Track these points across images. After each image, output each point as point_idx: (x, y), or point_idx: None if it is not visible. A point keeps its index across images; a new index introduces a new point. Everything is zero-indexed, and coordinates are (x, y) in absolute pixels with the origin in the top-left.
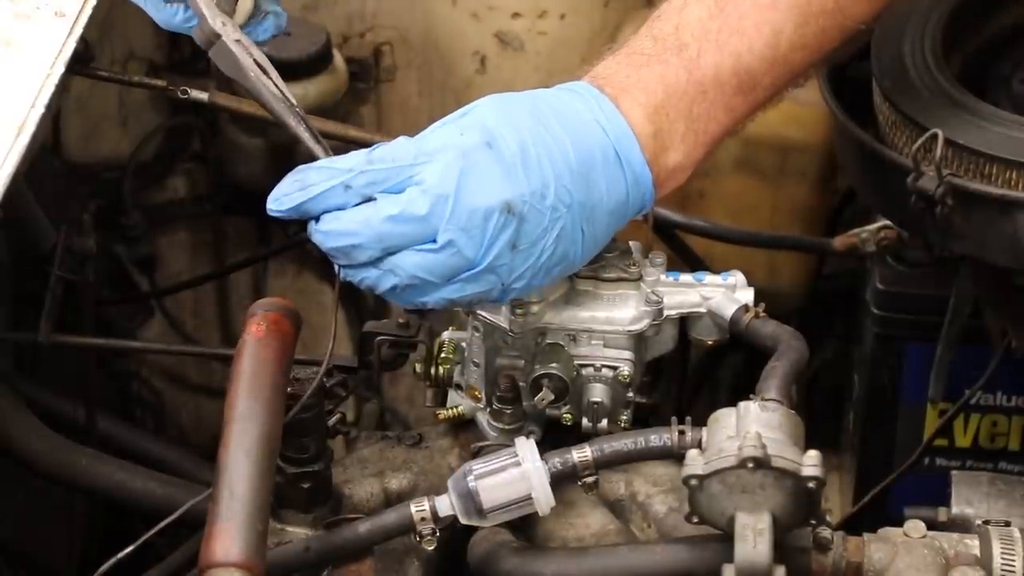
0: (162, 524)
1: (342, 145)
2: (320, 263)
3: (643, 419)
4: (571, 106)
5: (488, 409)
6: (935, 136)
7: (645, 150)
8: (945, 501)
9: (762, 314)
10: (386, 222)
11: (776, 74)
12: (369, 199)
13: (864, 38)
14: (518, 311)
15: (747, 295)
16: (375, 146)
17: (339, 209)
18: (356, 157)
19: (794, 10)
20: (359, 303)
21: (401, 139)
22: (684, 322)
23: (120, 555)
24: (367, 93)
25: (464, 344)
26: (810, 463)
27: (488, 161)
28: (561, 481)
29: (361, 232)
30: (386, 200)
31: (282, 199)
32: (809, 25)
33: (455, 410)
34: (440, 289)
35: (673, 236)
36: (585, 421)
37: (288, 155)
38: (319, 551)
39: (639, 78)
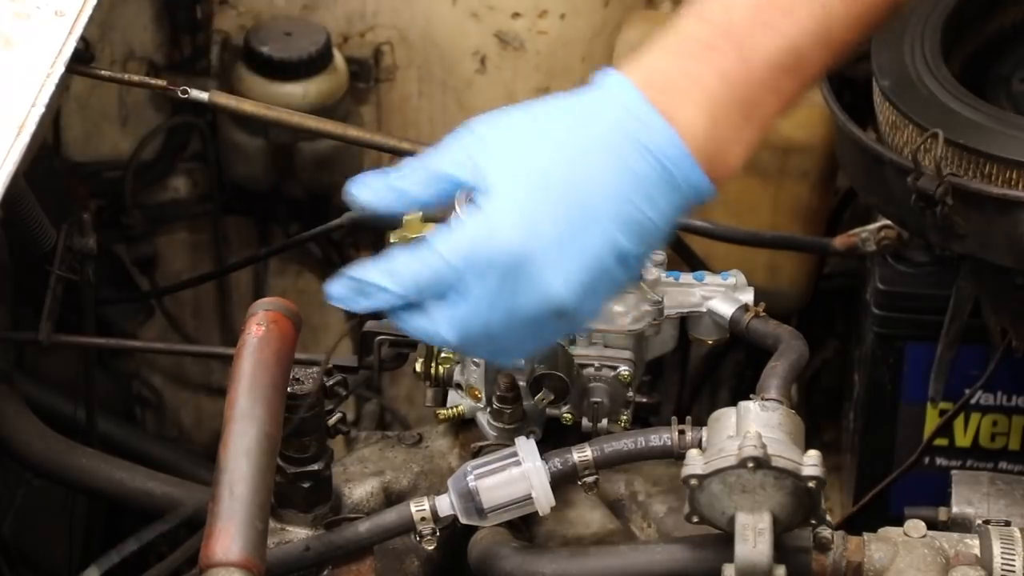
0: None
1: (343, 146)
2: (320, 263)
3: (643, 419)
4: (610, 140)
5: (488, 409)
6: (935, 136)
7: (702, 152)
8: (945, 501)
9: (762, 314)
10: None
11: (825, 53)
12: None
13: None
14: None
15: (747, 295)
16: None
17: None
18: (402, 263)
19: None
20: None
21: (434, 237)
22: (684, 322)
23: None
24: (367, 93)
25: None
26: (810, 463)
27: (528, 278)
28: (561, 481)
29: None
30: (439, 311)
31: (347, 303)
32: (858, 3)
33: (455, 410)
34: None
35: (673, 236)
36: (585, 421)
37: (288, 155)
38: (319, 550)
39: (693, 71)
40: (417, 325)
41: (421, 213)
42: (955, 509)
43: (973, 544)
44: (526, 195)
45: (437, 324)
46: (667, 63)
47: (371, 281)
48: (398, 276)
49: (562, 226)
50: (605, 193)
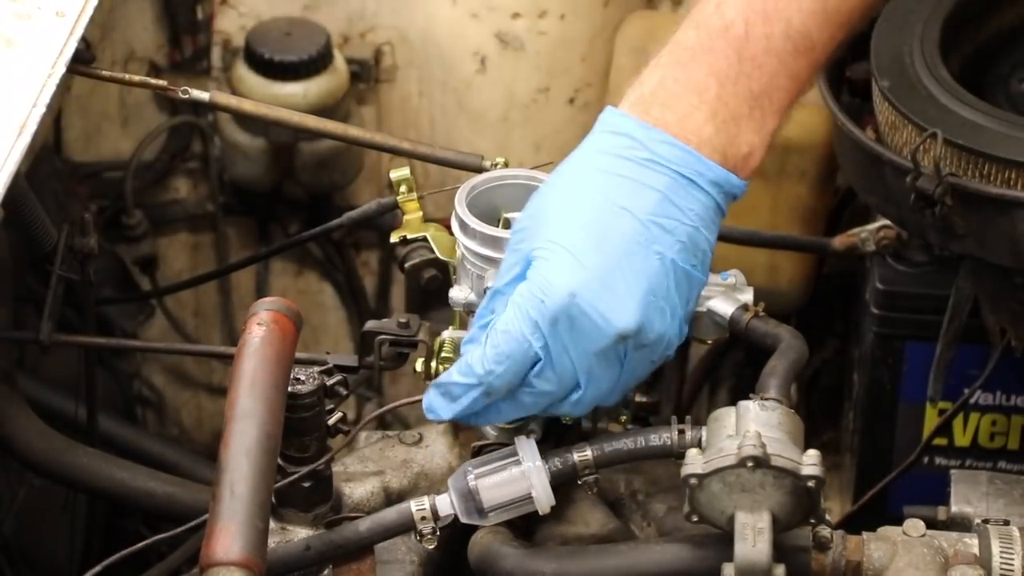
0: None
1: (343, 146)
2: (320, 263)
3: (643, 419)
4: (620, 168)
5: None
6: (934, 136)
7: (712, 149)
8: (944, 500)
9: (761, 313)
10: (534, 402)
11: (831, 28)
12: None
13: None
14: None
15: (746, 295)
16: (484, 323)
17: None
18: (477, 362)
19: None
20: (359, 303)
21: (508, 313)
22: None
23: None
24: (367, 93)
25: None
26: (809, 462)
27: (586, 318)
28: (561, 480)
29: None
30: (526, 395)
31: (438, 411)
32: None
33: None
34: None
35: None
36: (585, 421)
37: (289, 155)
38: (319, 550)
39: (687, 79)
40: (524, 403)
41: (421, 213)
42: (954, 508)
43: (972, 543)
44: (562, 248)
45: (538, 396)
46: (659, 77)
47: (455, 382)
48: (475, 367)
49: (599, 260)
50: (632, 216)
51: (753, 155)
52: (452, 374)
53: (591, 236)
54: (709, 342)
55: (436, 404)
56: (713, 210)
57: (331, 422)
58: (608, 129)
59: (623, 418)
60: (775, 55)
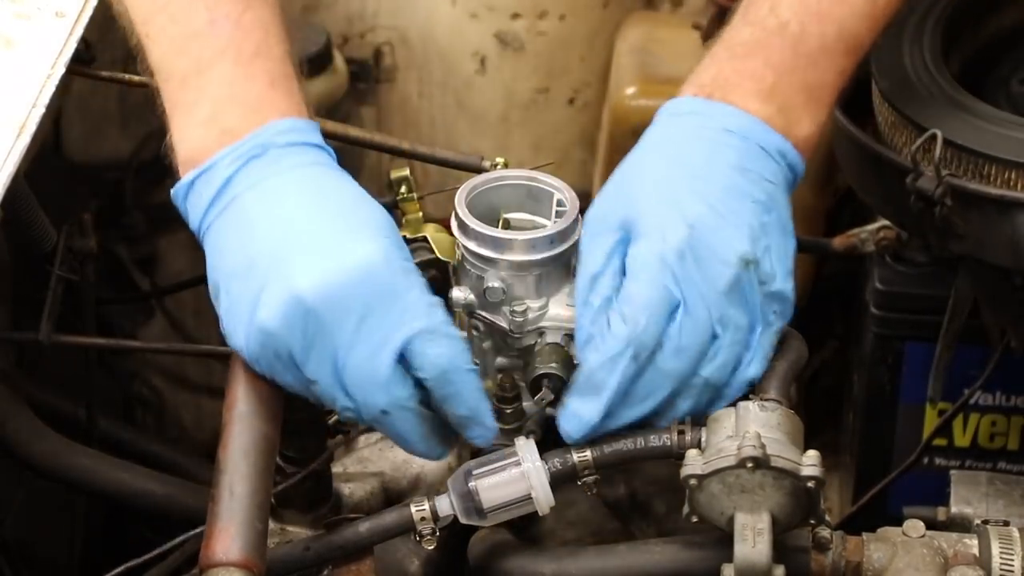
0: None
1: (343, 145)
2: None
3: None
4: (699, 132)
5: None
6: (934, 136)
7: (775, 127)
8: (944, 501)
9: None
10: (676, 367)
11: (875, 28)
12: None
13: None
14: (518, 311)
15: None
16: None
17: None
18: (618, 325)
19: None
20: None
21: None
22: None
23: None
24: (367, 93)
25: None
26: (809, 463)
27: (707, 247)
28: (561, 481)
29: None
30: (668, 357)
31: (584, 417)
32: None
33: None
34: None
35: None
36: None
37: None
38: (319, 551)
39: (744, 69)
40: (667, 369)
41: (421, 213)
42: (954, 509)
43: (972, 544)
44: (660, 201)
45: (679, 355)
46: (717, 69)
47: (594, 369)
48: (616, 332)
49: (700, 201)
50: (718, 168)
51: (809, 141)
52: (590, 364)
53: (685, 184)
54: None
55: (580, 409)
56: (784, 178)
57: (331, 422)
58: (672, 112)
59: None
60: (827, 53)
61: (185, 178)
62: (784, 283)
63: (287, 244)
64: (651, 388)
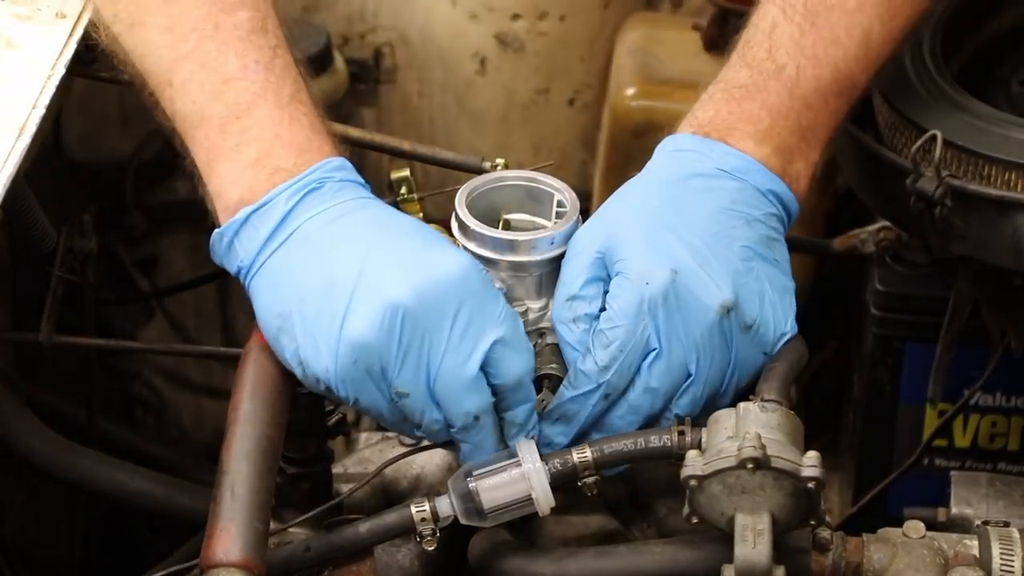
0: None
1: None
2: None
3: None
4: (695, 169)
5: None
6: (934, 137)
7: (771, 168)
8: (944, 501)
9: None
10: (648, 402)
11: (870, 70)
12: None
13: None
14: (518, 312)
15: None
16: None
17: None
18: (590, 365)
19: (880, 7)
20: None
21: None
22: None
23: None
24: (367, 94)
25: None
26: (809, 464)
27: (689, 293)
28: (561, 482)
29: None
30: (640, 394)
31: (557, 441)
32: (896, 19)
33: None
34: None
35: None
36: None
37: None
38: (319, 551)
39: (741, 112)
40: (637, 405)
41: (421, 213)
42: (954, 510)
43: (972, 545)
44: (645, 241)
45: (652, 393)
46: (714, 110)
47: (568, 400)
48: (587, 372)
49: (685, 246)
50: (709, 209)
51: (802, 181)
52: (562, 396)
53: (672, 228)
54: None
55: (553, 434)
56: (778, 219)
57: (331, 423)
58: (671, 148)
59: None
60: (822, 96)
61: (238, 215)
62: (775, 323)
63: (371, 261)
64: (620, 421)
